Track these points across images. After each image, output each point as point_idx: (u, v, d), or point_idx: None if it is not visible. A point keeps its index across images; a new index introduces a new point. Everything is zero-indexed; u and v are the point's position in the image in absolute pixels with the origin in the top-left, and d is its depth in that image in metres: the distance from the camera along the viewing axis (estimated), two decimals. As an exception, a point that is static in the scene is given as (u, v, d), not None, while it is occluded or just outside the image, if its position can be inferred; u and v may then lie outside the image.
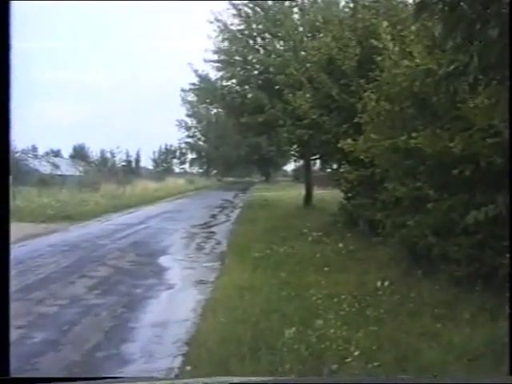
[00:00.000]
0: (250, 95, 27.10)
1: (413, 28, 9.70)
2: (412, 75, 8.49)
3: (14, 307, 8.48)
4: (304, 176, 31.22)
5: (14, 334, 7.27)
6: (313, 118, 14.44)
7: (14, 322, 7.81)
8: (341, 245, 12.42)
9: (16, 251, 14.81)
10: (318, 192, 28.82)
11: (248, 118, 26.33)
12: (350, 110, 12.46)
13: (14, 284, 10.39)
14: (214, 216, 26.22)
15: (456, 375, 4.36)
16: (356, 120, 11.00)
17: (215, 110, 52.28)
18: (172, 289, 10.37)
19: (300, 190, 30.69)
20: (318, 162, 29.41)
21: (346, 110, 13.46)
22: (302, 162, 33.14)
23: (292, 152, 28.75)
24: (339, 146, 11.41)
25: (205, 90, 31.93)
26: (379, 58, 10.24)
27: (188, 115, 74.61)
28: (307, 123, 15.23)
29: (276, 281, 9.65)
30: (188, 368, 5.89)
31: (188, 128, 77.90)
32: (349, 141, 10.88)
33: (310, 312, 7.51)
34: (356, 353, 5.82)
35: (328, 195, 25.84)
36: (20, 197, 27.21)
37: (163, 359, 6.46)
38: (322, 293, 8.45)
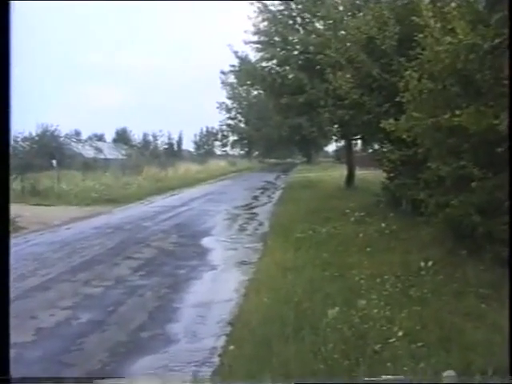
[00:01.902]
0: (290, 76, 26.93)
1: (453, 4, 9.49)
2: (455, 52, 8.31)
3: (61, 288, 8.70)
4: (346, 157, 31.00)
5: (60, 315, 7.45)
6: (354, 97, 14.26)
7: (61, 303, 8.01)
8: (383, 225, 12.30)
9: (62, 234, 15.11)
10: (359, 172, 28.62)
11: (289, 99, 26.18)
12: (392, 89, 12.28)
13: (61, 266, 10.62)
14: (255, 197, 26.28)
15: (456, 375, 4.31)
16: (397, 99, 10.84)
17: (255, 92, 52.23)
18: (215, 269, 10.44)
19: (342, 171, 30.51)
20: (359, 142, 29.16)
21: (387, 90, 13.27)
22: (343, 143, 32.92)
23: (333, 132, 28.55)
24: (381, 125, 11.26)
25: (245, 72, 31.84)
26: (420, 36, 10.04)
27: (228, 97, 74.65)
28: (348, 103, 15.06)
29: (319, 261, 9.62)
30: (231, 348, 5.93)
31: (229, 110, 77.94)
32: (390, 120, 10.73)
33: (353, 292, 7.48)
34: (399, 333, 5.78)
35: (370, 175, 25.65)
36: (65, 180, 27.69)
37: (207, 339, 6.52)
38: (364, 273, 8.40)
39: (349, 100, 14.71)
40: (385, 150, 14.29)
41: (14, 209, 17.31)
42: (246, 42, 28.68)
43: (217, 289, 9.05)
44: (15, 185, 25.32)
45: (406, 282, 7.78)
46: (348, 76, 14.45)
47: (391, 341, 5.62)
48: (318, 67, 20.28)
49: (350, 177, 27.60)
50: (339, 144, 47.96)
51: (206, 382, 5.10)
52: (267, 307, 7.16)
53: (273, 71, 28.24)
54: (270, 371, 5.09)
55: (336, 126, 24.55)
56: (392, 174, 14.64)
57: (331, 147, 76.68)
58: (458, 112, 8.11)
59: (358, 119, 15.63)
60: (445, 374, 4.73)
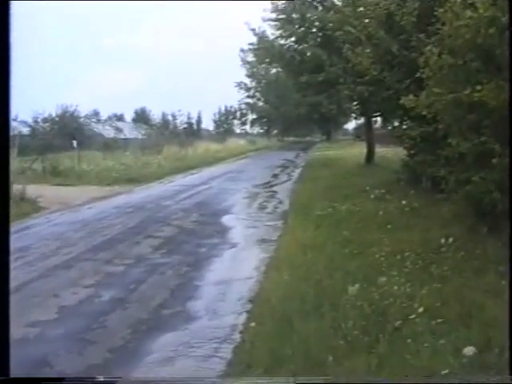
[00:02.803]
0: (308, 53, 26.77)
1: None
2: (475, 26, 8.19)
3: (83, 267, 8.81)
4: (365, 134, 30.81)
5: (82, 293, 7.54)
6: (373, 74, 14.10)
7: (83, 281, 8.11)
8: (404, 202, 12.25)
9: (83, 213, 15.24)
10: (379, 150, 28.42)
11: (307, 77, 26.07)
12: (411, 65, 12.13)
13: (83, 245, 10.73)
14: (275, 176, 26.26)
15: (456, 375, 4.30)
16: (417, 75, 10.72)
17: (274, 70, 52.04)
18: (235, 247, 10.49)
19: (361, 149, 30.35)
20: (379, 119, 28.95)
21: (407, 66, 13.11)
22: (362, 120, 32.71)
23: (353, 110, 28.37)
24: (401, 102, 11.15)
25: (263, 50, 31.72)
26: (440, 11, 9.89)
27: (247, 76, 74.40)
28: (368, 80, 14.92)
29: (339, 238, 9.62)
30: (252, 324, 5.97)
31: (248, 89, 77.72)
32: (410, 96, 10.61)
33: (373, 269, 7.47)
34: (420, 309, 5.78)
35: (390, 153, 25.45)
36: (85, 161, 27.90)
37: (227, 316, 6.58)
38: (385, 250, 8.38)
39: (368, 76, 14.57)
40: (405, 126, 14.17)
41: (35, 189, 17.54)
42: (265, 20, 28.53)
43: (237, 266, 9.11)
44: (36, 165, 25.53)
45: (427, 259, 7.75)
46: (367, 51, 14.30)
47: (411, 317, 5.62)
48: (337, 44, 20.07)
49: (370, 154, 27.44)
50: (358, 121, 47.68)
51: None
52: (287, 284, 7.20)
53: (291, 49, 28.10)
54: (290, 347, 5.13)
55: (355, 103, 24.35)
56: (412, 151, 14.51)
57: (350, 125, 76.28)
58: (478, 87, 8.01)
59: (377, 96, 15.50)
60: (465, 350, 4.74)
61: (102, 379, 3.91)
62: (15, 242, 11.41)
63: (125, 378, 3.88)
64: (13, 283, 7.78)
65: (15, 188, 16.86)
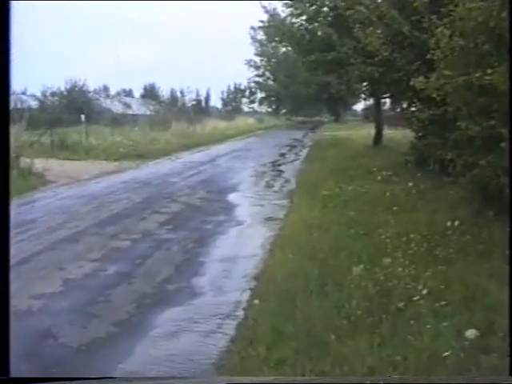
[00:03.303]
0: (319, 32, 26.50)
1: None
2: (488, 9, 8.10)
3: (89, 241, 8.85)
4: (374, 115, 30.67)
5: (88, 267, 7.59)
6: (384, 55, 14.00)
7: (89, 255, 8.14)
8: (411, 184, 12.21)
9: (90, 188, 15.28)
10: (387, 132, 28.30)
11: (317, 56, 25.80)
12: (422, 46, 12.04)
13: (90, 218, 10.77)
14: (283, 155, 26.23)
15: (456, 375, 4.31)
16: (428, 57, 10.64)
17: (284, 49, 51.66)
18: (241, 225, 10.51)
19: (370, 130, 30.21)
20: (388, 100, 28.79)
21: (418, 47, 13.01)
22: (372, 101, 32.53)
23: (362, 90, 28.21)
24: (411, 83, 11.07)
25: (274, 28, 31.47)
26: (453, -8, 9.79)
27: (257, 54, 73.96)
28: (378, 60, 14.81)
29: (344, 219, 9.61)
30: (256, 302, 6.00)
31: (257, 67, 77.27)
32: (421, 78, 10.54)
33: (378, 250, 7.47)
34: (424, 291, 5.78)
35: (398, 135, 25.34)
36: (93, 136, 27.89)
37: (231, 293, 6.61)
38: (390, 232, 8.37)
39: (378, 57, 14.46)
40: (414, 108, 14.10)
41: (43, 163, 17.58)
42: (276, -2, 28.28)
43: (242, 244, 9.13)
44: (44, 139, 25.55)
45: (432, 241, 7.73)
46: (378, 32, 14.18)
47: (415, 299, 5.62)
48: (348, 24, 19.90)
49: (378, 136, 27.31)
50: (368, 103, 47.47)
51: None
52: (292, 263, 7.21)
53: (302, 27, 27.79)
54: (293, 325, 5.15)
55: (365, 83, 24.20)
56: (420, 134, 14.45)
57: (359, 106, 75.91)
58: (489, 71, 7.95)
59: (387, 77, 15.41)
60: (467, 333, 4.75)
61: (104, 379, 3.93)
62: (23, 214, 11.47)
63: (127, 378, 3.91)
64: (19, 255, 7.89)
65: (23, 161, 16.92)
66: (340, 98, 55.50)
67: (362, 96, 33.54)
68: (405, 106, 18.07)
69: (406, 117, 15.86)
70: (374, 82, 19.06)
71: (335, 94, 46.47)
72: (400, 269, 6.54)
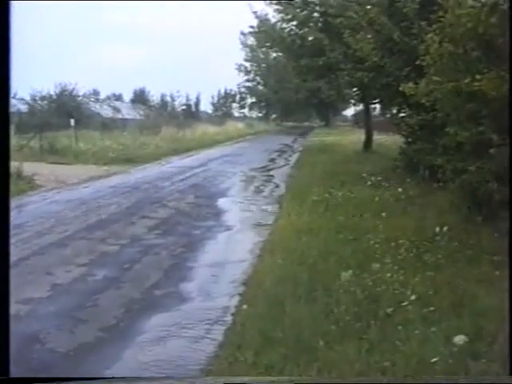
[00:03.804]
0: (310, 38, 26.60)
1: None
2: (476, 15, 8.15)
3: (78, 245, 8.80)
4: (364, 121, 30.77)
5: (76, 272, 7.55)
6: (374, 60, 14.05)
7: (77, 260, 8.11)
8: (400, 190, 12.24)
9: (79, 192, 15.23)
10: (377, 137, 28.39)
11: (308, 61, 25.89)
12: (412, 52, 12.11)
13: (78, 224, 10.72)
14: (272, 160, 26.26)
15: (456, 376, 4.32)
16: (418, 63, 10.69)
17: (274, 54, 51.70)
18: (230, 230, 10.50)
19: (359, 135, 30.31)
20: (378, 106, 28.90)
21: (408, 53, 13.07)
22: (361, 107, 32.66)
23: (352, 96, 28.33)
24: (400, 89, 11.13)
25: (264, 33, 31.48)
26: (442, -1, 9.85)
27: (247, 59, 74.10)
28: (368, 66, 14.86)
29: (334, 224, 9.61)
30: (244, 307, 5.98)
31: (247, 72, 77.44)
32: (410, 84, 10.59)
33: (367, 255, 7.47)
34: (412, 297, 5.79)
35: (388, 140, 25.43)
36: (83, 140, 27.83)
37: (220, 298, 6.59)
38: (379, 237, 8.38)
39: (368, 62, 14.52)
40: (403, 114, 14.17)
41: (32, 167, 17.51)
42: (267, 3, 28.32)
43: (231, 249, 9.12)
44: (33, 143, 25.47)
45: (421, 247, 7.75)
46: (369, 37, 14.23)
47: (404, 304, 5.63)
48: (338, 30, 19.96)
49: (368, 141, 27.41)
50: (358, 108, 47.66)
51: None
52: (281, 268, 7.21)
53: (292, 32, 27.88)
54: (281, 331, 5.14)
55: (355, 89, 24.36)
56: (410, 139, 14.51)
57: (349, 111, 76.20)
58: (478, 77, 7.99)
59: (377, 82, 15.47)
60: (456, 338, 4.75)
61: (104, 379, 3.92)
62: (11, 219, 11.39)
63: (127, 378, 3.90)
64: (6, 259, 7.78)
65: (12, 165, 16.81)
66: (330, 103, 55.75)
67: (352, 101, 33.73)
68: (394, 111, 18.12)
69: (395, 122, 15.93)
70: (364, 87, 19.18)
71: (325, 99, 46.73)
72: (389, 274, 6.55)
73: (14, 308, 6.00)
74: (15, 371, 4.45)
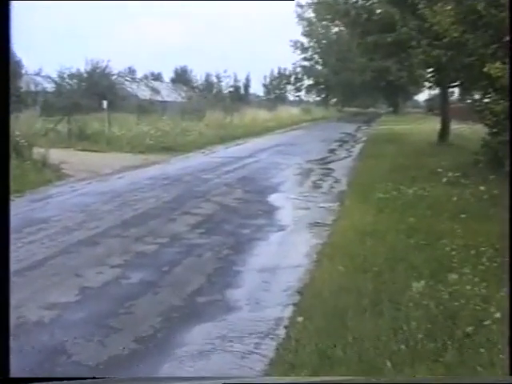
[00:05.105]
0: (378, 10, 26.40)
1: None
2: None
3: (111, 244, 8.90)
4: (439, 107, 30.36)
5: (108, 274, 7.64)
6: (454, 36, 13.83)
7: (109, 260, 8.20)
8: (482, 188, 12.02)
9: (113, 184, 15.43)
10: (455, 127, 28.02)
11: (375, 37, 25.71)
12: (500, 27, 11.86)
13: (111, 219, 10.86)
14: (332, 151, 26.16)
15: (456, 375, 4.19)
16: (506, 39, 10.48)
17: (336, 29, 51.48)
18: (283, 230, 10.47)
19: (434, 124, 29.94)
20: (457, 90, 28.47)
21: (495, 28, 12.81)
22: (437, 91, 32.21)
23: (426, 78, 27.97)
24: (485, 70, 10.93)
25: (325, 5, 31.38)
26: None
27: (304, 34, 73.94)
28: (447, 42, 14.65)
29: (403, 226, 9.52)
30: (299, 319, 5.94)
31: (304, 49, 77.33)
32: (497, 64, 10.40)
33: (443, 264, 7.37)
34: (496, 315, 5.65)
35: (467, 130, 25.08)
36: (117, 124, 28.13)
37: (271, 308, 6.55)
38: (457, 243, 8.25)
39: (447, 39, 14.29)
40: (488, 100, 13.91)
41: (60, 154, 17.83)
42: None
43: (285, 252, 9.08)
44: (61, 127, 25.87)
45: (507, 256, 7.59)
46: (448, 8, 13.99)
47: (486, 323, 5.51)
48: (412, 1, 19.73)
49: (444, 131, 27.04)
50: (432, 92, 47.02)
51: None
52: (342, 276, 7.15)
53: (358, 5, 27.71)
54: (342, 349, 5.09)
55: (430, 69, 24.04)
56: (495, 129, 14.25)
57: (422, 96, 75.37)
58: None
59: (457, 62, 15.25)
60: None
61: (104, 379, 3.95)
62: (35, 212, 11.64)
63: (127, 378, 3.91)
64: (31, 258, 8.00)
65: (36, 152, 17.16)
66: (400, 86, 55.32)
67: (426, 84, 33.15)
68: (477, 96, 17.85)
69: (477, 109, 15.67)
70: (441, 67, 18.94)
71: (394, 81, 46.35)
72: (468, 287, 6.43)
73: (37, 313, 6.15)
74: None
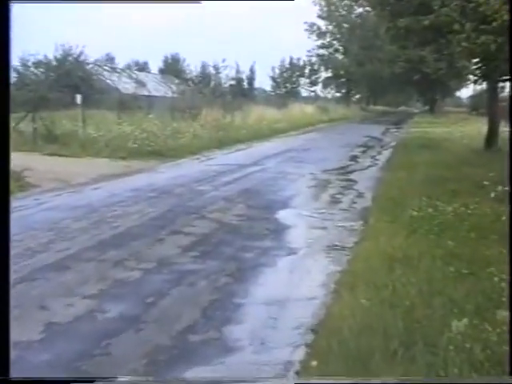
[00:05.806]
0: (412, -12, 26.48)
1: None
2: None
3: (84, 269, 8.91)
4: (486, 105, 30.42)
5: (81, 306, 7.63)
6: (505, 19, 13.89)
7: (82, 289, 8.20)
8: (538, 206, 12.05)
9: (88, 196, 15.46)
10: (505, 129, 28.02)
11: (408, 20, 25.76)
12: None
13: (86, 238, 10.87)
14: (354, 158, 26.23)
15: (456, 376, 4.18)
16: None
17: (361, 9, 51.63)
18: (295, 254, 10.47)
19: (480, 126, 29.99)
20: (508, 85, 28.52)
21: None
22: (484, 86, 32.26)
23: (471, 70, 28.02)
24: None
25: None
26: None
27: (322, 17, 74.06)
28: (497, 26, 14.69)
29: (441, 251, 9.51)
30: (313, 363, 5.93)
31: (321, 34, 77.45)
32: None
33: (490, 299, 7.37)
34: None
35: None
36: (93, 124, 28.12)
37: (279, 349, 6.55)
38: (507, 272, 8.24)
39: (497, 22, 14.33)
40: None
41: (22, 159, 17.83)
42: None
43: (296, 281, 9.08)
44: (24, 126, 25.84)
45: None
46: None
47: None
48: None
49: (492, 135, 27.07)
50: (478, 88, 47.08)
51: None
52: (366, 311, 7.14)
53: (387, -19, 27.82)
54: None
55: (476, 60, 24.08)
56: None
57: (466, 92, 75.46)
58: None
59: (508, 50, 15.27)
60: None
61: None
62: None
63: (127, 378, 3.91)
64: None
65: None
66: (438, 80, 55.30)
67: (471, 78, 33.24)
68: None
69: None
70: (490, 57, 18.94)
71: (431, 74, 46.36)
72: (521, 326, 6.42)
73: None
74: None
